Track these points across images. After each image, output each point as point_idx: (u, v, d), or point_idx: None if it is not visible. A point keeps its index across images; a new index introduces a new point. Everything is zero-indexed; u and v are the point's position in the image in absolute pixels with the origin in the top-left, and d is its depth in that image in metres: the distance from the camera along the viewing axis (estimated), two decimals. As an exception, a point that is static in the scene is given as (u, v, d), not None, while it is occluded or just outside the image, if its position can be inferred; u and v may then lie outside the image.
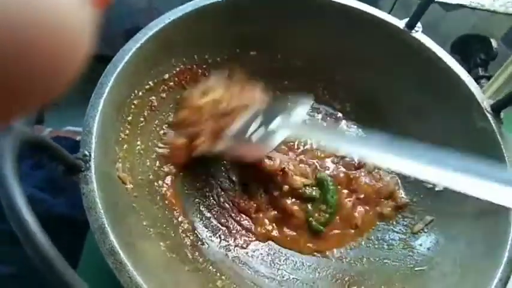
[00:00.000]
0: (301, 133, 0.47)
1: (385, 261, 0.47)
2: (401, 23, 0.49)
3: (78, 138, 0.61)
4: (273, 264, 0.48)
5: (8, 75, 0.12)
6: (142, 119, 0.45)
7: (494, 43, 0.77)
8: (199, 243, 0.46)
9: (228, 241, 0.48)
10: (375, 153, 0.39)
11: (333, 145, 0.45)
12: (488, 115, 0.45)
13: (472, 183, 0.34)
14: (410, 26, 0.48)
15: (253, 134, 0.45)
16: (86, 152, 0.36)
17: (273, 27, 0.51)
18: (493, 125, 0.44)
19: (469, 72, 0.76)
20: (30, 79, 0.12)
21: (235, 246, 0.48)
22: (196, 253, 0.44)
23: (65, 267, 0.23)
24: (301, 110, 0.47)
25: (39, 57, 0.12)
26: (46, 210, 0.53)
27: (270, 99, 0.50)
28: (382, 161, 0.38)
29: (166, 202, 0.46)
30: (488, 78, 0.74)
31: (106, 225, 0.34)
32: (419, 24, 0.49)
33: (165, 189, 0.47)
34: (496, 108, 0.45)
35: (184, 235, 0.45)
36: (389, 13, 0.69)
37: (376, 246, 0.49)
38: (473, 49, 0.79)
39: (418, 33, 0.49)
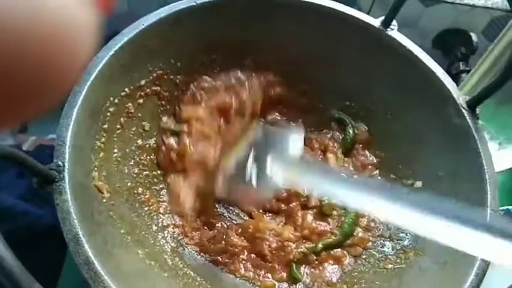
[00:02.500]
0: (296, 176, 0.42)
1: (365, 259, 0.48)
2: (376, 22, 0.49)
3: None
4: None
5: (7, 77, 0.11)
6: (119, 126, 0.45)
7: (474, 37, 0.78)
8: (180, 248, 0.46)
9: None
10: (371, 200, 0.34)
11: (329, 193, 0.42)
12: (464, 111, 0.45)
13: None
14: (386, 24, 0.49)
15: (249, 174, 0.42)
16: (60, 163, 0.36)
17: (248, 31, 0.50)
18: (469, 120, 0.44)
19: (450, 66, 0.78)
20: (29, 81, 0.12)
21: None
22: (176, 259, 0.44)
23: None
24: (294, 144, 0.44)
25: (39, 60, 0.12)
26: (29, 221, 0.53)
27: (259, 130, 0.48)
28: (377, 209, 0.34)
29: (146, 209, 0.46)
30: (469, 72, 0.74)
31: (80, 236, 0.34)
32: (394, 23, 0.49)
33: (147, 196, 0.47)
34: (472, 105, 0.45)
35: (164, 241, 0.45)
36: (368, 13, 0.70)
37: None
38: (453, 43, 0.79)
39: (394, 32, 0.49)
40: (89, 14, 0.14)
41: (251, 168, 0.42)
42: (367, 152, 0.55)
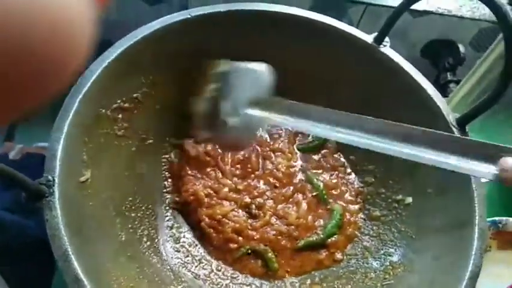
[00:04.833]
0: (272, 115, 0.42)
1: (353, 276, 0.48)
2: (369, 38, 0.49)
3: (48, 154, 0.60)
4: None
5: (5, 72, 0.12)
6: (109, 138, 0.44)
7: (461, 48, 0.79)
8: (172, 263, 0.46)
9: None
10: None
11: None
12: (454, 129, 0.45)
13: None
14: (379, 40, 0.49)
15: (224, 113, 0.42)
16: (50, 177, 0.35)
17: (242, 45, 0.50)
18: (458, 138, 0.45)
19: (438, 76, 0.79)
20: (26, 77, 0.12)
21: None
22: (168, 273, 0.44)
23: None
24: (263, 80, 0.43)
25: (38, 56, 0.12)
26: (17, 233, 0.52)
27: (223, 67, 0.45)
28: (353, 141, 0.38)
29: (136, 223, 0.45)
30: (457, 82, 0.75)
31: (70, 253, 0.33)
32: (387, 39, 0.49)
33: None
34: (461, 123, 0.45)
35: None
36: (358, 23, 0.70)
37: (344, 261, 0.50)
38: (441, 54, 0.80)
39: (386, 48, 0.49)
40: (88, 12, 0.14)
41: (225, 107, 0.42)
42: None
